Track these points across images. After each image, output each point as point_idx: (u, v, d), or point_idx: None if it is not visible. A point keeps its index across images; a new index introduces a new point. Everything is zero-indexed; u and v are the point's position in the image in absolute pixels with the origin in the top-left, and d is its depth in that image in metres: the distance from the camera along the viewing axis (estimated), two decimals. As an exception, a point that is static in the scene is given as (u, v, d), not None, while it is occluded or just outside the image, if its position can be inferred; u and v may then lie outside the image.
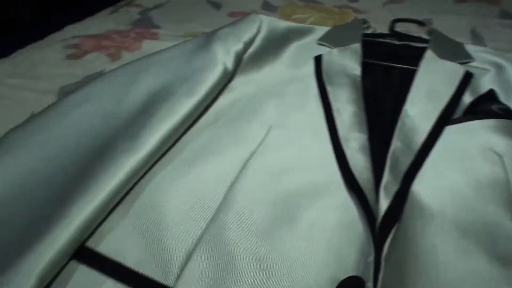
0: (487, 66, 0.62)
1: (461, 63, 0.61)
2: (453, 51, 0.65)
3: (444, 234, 0.37)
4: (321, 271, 0.35)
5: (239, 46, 0.62)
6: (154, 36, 0.84)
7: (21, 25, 1.28)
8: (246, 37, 0.65)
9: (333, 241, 0.37)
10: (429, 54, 0.63)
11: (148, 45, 0.79)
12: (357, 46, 0.65)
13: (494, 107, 0.53)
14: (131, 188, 0.42)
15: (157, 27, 0.90)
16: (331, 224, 0.39)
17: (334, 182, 0.43)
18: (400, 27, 0.84)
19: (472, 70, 0.59)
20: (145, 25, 0.90)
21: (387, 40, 0.74)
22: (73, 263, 0.36)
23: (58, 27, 0.91)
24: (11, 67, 0.73)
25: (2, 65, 0.75)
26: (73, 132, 0.47)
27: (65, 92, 0.64)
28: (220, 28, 0.67)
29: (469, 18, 0.92)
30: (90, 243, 0.37)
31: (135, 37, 0.83)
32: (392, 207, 0.38)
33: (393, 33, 0.80)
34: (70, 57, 0.76)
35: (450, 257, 0.35)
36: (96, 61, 0.74)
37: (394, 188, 0.41)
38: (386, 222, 0.37)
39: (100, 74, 0.64)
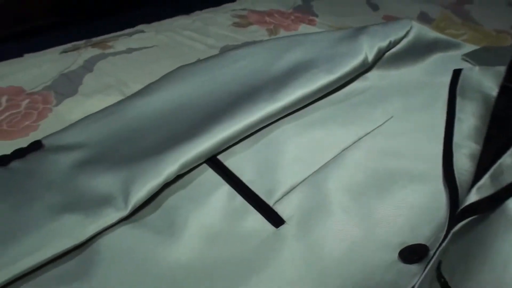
0: None
1: None
2: None
3: None
4: (395, 234, 0.40)
5: (384, 43, 0.67)
6: (311, 22, 0.93)
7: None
8: (393, 37, 0.69)
9: (415, 217, 0.41)
10: None
11: (304, 29, 0.88)
12: (501, 68, 0.65)
13: None
14: (263, 128, 0.51)
15: (315, 15, 0.98)
16: (418, 205, 0.43)
17: (433, 176, 0.47)
18: None
19: None
20: (305, 12, 0.99)
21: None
22: (205, 165, 0.46)
23: (231, -1, 1.06)
24: (189, 23, 0.88)
25: (182, 20, 0.91)
26: (228, 77, 0.58)
27: (226, 50, 0.75)
28: (372, 24, 0.73)
29: None
30: (220, 157, 0.47)
31: (294, 19, 0.93)
32: (479, 203, 0.41)
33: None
34: (236, 24, 0.89)
35: None
36: (256, 33, 0.86)
37: (488, 192, 0.43)
38: (468, 210, 0.40)
39: (257, 43, 0.75)
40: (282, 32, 0.86)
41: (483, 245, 0.40)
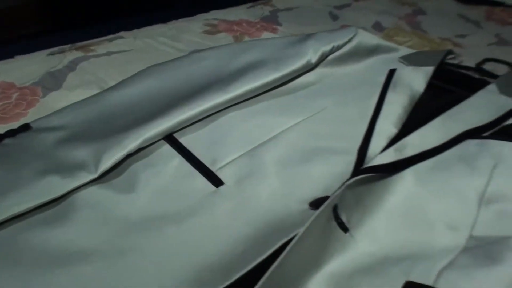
0: None
1: None
2: (515, 90, 0.73)
3: (409, 201, 0.50)
4: (311, 192, 0.51)
5: (327, 47, 0.78)
6: (274, 31, 1.04)
7: (182, 4, 1.61)
8: (337, 42, 0.80)
9: (329, 180, 0.52)
10: (491, 87, 0.72)
11: (266, 36, 1.00)
12: (430, 68, 0.77)
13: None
14: (215, 113, 0.62)
15: (280, 24, 1.10)
16: (335, 172, 0.54)
17: (353, 151, 0.58)
18: (491, 66, 0.91)
19: None
20: (270, 21, 1.11)
21: (463, 71, 0.84)
22: (163, 141, 0.57)
23: (206, 10, 1.17)
24: (165, 30, 1.00)
25: (160, 28, 1.02)
26: (190, 73, 0.69)
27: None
28: (320, 31, 0.84)
29: None
30: (176, 135, 0.58)
31: (259, 28, 1.04)
32: (378, 166, 0.52)
33: (476, 68, 0.88)
34: (206, 32, 1.00)
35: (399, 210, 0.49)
36: (223, 39, 0.97)
37: (388, 160, 0.54)
38: (365, 170, 0.51)
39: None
40: (246, 39, 0.97)
41: (379, 197, 0.51)
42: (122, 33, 0.97)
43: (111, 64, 0.81)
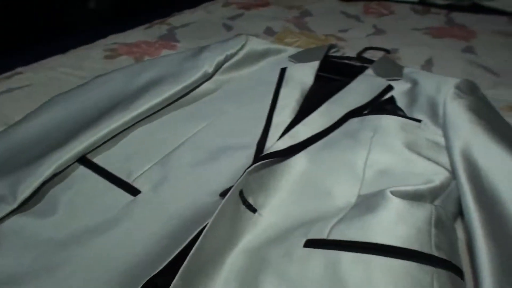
0: (408, 82, 0.81)
1: (390, 79, 0.80)
2: (388, 71, 0.84)
3: (305, 177, 0.58)
4: (220, 185, 0.56)
5: (221, 57, 0.85)
6: (173, 48, 1.10)
7: (80, 32, 1.61)
8: (230, 51, 0.88)
9: (235, 172, 0.58)
10: (368, 71, 0.83)
11: (165, 53, 1.04)
12: (316, 63, 0.86)
13: (388, 107, 0.73)
14: (124, 131, 0.66)
15: (178, 41, 1.15)
16: (239, 165, 0.60)
17: (253, 145, 0.65)
18: (370, 53, 1.03)
19: (394, 84, 0.79)
20: (169, 39, 1.16)
21: (346, 61, 0.95)
22: (77, 164, 0.60)
23: (105, 35, 1.19)
24: (64, 60, 1.01)
25: (59, 59, 1.03)
26: (95, 97, 0.73)
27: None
28: (214, 42, 0.91)
29: (430, 50, 1.11)
30: (89, 156, 0.62)
31: (158, 47, 1.09)
32: (274, 152, 0.59)
33: (357, 57, 1.00)
34: (107, 57, 1.03)
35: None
36: (125, 62, 1.00)
37: (283, 147, 0.61)
38: (263, 157, 0.58)
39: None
40: (147, 58, 1.01)
41: (279, 178, 0.58)
42: (20, 69, 0.96)
43: (14, 100, 0.82)
